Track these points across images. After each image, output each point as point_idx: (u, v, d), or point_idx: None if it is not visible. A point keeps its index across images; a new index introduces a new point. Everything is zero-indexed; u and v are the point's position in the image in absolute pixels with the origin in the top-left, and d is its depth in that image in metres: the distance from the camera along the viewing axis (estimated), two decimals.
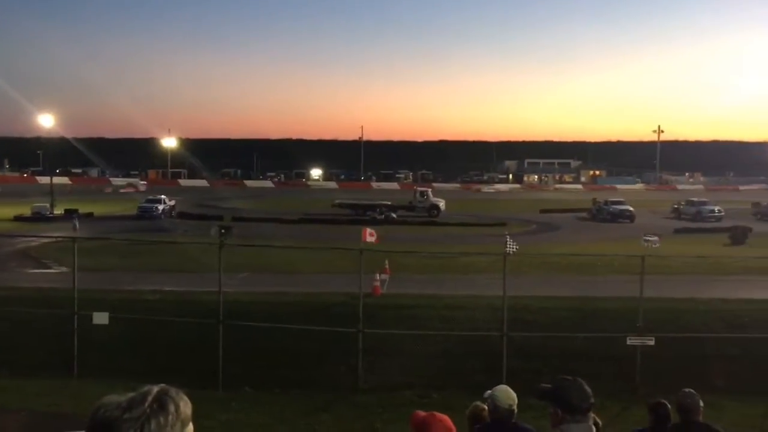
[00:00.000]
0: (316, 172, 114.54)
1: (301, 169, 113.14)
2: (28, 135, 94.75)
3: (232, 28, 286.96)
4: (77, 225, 38.23)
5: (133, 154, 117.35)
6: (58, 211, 47.41)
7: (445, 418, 3.69)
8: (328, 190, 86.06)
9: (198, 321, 15.33)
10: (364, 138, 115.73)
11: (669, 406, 6.06)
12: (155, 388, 1.60)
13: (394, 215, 49.36)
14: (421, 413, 3.86)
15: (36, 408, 12.09)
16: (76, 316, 14.53)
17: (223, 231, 23.23)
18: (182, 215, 49.26)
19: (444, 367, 14.48)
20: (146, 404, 1.54)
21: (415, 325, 16.30)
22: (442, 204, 54.15)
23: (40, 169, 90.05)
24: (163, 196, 51.34)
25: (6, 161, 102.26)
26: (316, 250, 28.46)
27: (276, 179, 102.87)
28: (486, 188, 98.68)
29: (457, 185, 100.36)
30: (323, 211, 51.38)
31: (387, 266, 23.32)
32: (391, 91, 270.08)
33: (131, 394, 1.57)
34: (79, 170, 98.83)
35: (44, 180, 73.66)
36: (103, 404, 1.55)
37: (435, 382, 13.89)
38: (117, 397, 1.57)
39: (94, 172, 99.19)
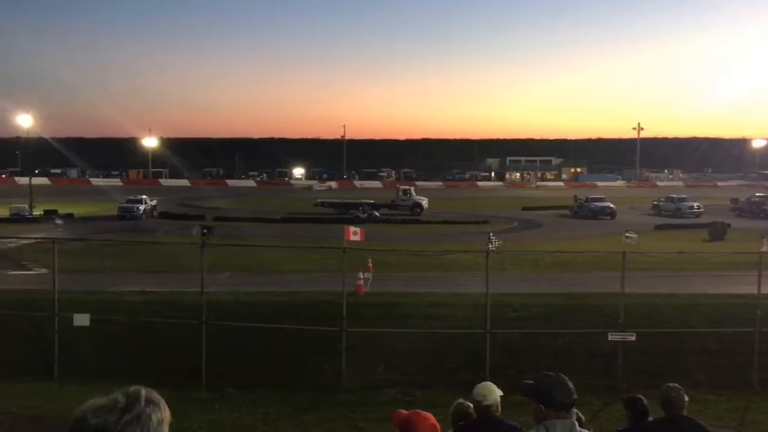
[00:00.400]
0: (298, 171, 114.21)
1: (284, 168, 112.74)
2: (6, 135, 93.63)
3: (213, 27, 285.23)
4: (61, 224, 37.78)
5: (114, 154, 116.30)
6: (38, 212, 46.91)
7: (429, 415, 3.69)
8: (310, 189, 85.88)
9: (181, 322, 15.25)
10: (347, 137, 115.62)
11: (645, 400, 6.09)
12: (141, 389, 1.59)
13: (377, 214, 49.37)
14: (404, 412, 3.86)
15: (18, 411, 11.95)
16: (56, 318, 14.37)
17: (205, 231, 23.09)
18: (164, 215, 48.94)
19: (427, 364, 14.51)
20: (142, 404, 1.53)
21: (399, 323, 16.32)
22: (425, 202, 54.24)
23: (18, 169, 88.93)
24: (144, 196, 50.94)
25: None
26: (299, 249, 28.41)
27: (258, 178, 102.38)
28: (478, 185, 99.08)
29: (440, 183, 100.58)
30: (306, 211, 51.28)
31: (370, 265, 23.33)
32: (372, 89, 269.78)
33: (115, 397, 1.56)
34: (58, 171, 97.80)
35: (23, 181, 72.78)
36: (89, 410, 1.51)
37: (418, 379, 13.91)
38: (100, 401, 1.55)
39: (73, 173, 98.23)
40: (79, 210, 49.19)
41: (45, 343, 14.31)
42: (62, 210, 46.49)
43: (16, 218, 44.76)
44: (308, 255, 26.24)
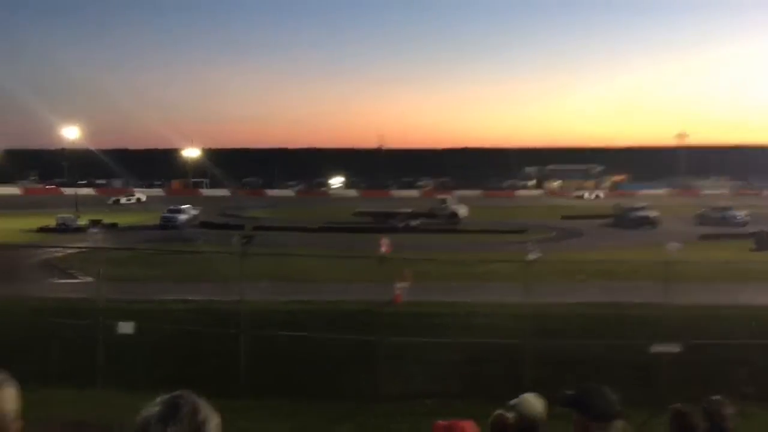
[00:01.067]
0: (337, 180, 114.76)
1: (321, 177, 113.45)
2: (53, 147, 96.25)
3: (252, 40, 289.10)
4: (98, 234, 38.64)
5: (156, 164, 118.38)
6: (83, 222, 48.05)
7: (469, 424, 3.64)
8: (348, 199, 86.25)
9: (220, 330, 15.41)
10: (384, 146, 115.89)
11: (693, 413, 5.92)
12: (192, 395, 1.63)
13: (415, 223, 49.33)
14: (442, 422, 3.83)
15: (61, 419, 12.19)
16: (101, 326, 14.66)
17: (244, 240, 23.36)
18: (204, 224, 49.66)
19: (465, 375, 14.40)
20: (202, 411, 1.58)
21: (436, 333, 16.24)
22: (463, 211, 54.04)
23: (64, 180, 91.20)
24: (185, 206, 51.77)
25: (32, 174, 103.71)
26: (337, 258, 28.50)
27: (297, 188, 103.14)
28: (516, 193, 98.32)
29: (478, 192, 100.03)
30: (344, 220, 51.50)
31: (408, 274, 23.31)
32: (410, 98, 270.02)
33: (166, 401, 1.59)
34: (103, 181, 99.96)
35: (69, 191, 74.60)
36: (151, 418, 1.55)
37: (457, 390, 13.80)
38: (155, 409, 1.58)
39: (117, 183, 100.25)
40: (122, 220, 50.23)
41: (89, 350, 14.60)
42: (106, 220, 47.57)
43: (63, 228, 45.92)
44: (346, 264, 26.31)
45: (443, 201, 55.37)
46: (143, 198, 70.81)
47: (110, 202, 64.26)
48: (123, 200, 66.81)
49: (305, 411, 12.94)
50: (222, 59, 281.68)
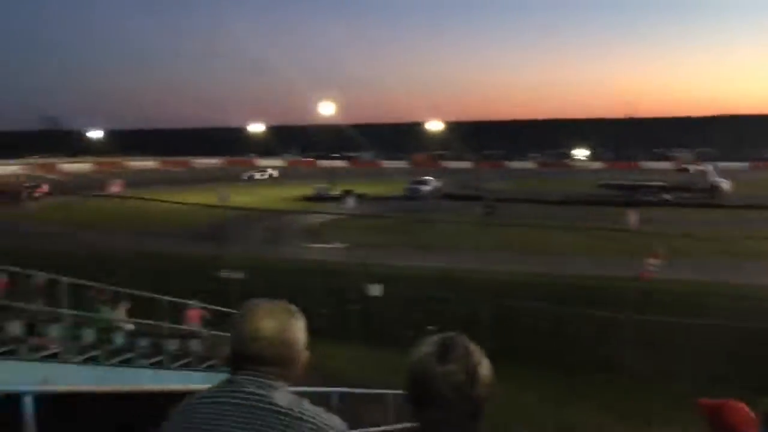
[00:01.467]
0: (582, 152, 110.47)
1: (565, 149, 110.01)
2: (309, 123, 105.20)
3: (497, 7, 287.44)
4: (353, 203, 41.40)
5: (400, 138, 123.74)
6: (337, 191, 51.80)
7: (742, 405, 3.34)
8: (593, 171, 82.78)
9: (464, 297, 15.80)
10: (633, 115, 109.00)
11: None
12: (464, 337, 1.71)
13: (668, 197, 45.96)
14: (709, 401, 3.55)
15: (322, 369, 13.42)
16: (354, 287, 15.82)
17: (487, 211, 23.51)
18: (447, 196, 50.83)
19: (726, 361, 13.20)
20: (475, 354, 1.68)
21: (691, 314, 15.06)
22: (725, 184, 49.14)
23: (320, 153, 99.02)
24: (428, 178, 53.44)
25: (293, 148, 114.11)
26: (580, 231, 27.61)
27: (539, 160, 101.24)
28: None
29: (745, 164, 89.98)
30: (588, 192, 49.60)
31: (660, 250, 21.86)
32: (663, 63, 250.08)
33: (440, 342, 1.68)
34: (353, 154, 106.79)
35: (323, 164, 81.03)
36: (427, 358, 1.65)
37: (715, 376, 12.72)
38: (430, 348, 1.67)
39: (367, 156, 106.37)
40: (370, 190, 53.26)
41: (344, 308, 15.84)
42: (357, 190, 50.78)
43: (319, 197, 49.98)
44: (589, 238, 25.40)
45: (702, 173, 50.77)
46: (275, 173, 74.19)
47: (245, 177, 68.22)
48: (257, 175, 70.47)
49: (546, 382, 12.83)
50: (467, 30, 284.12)
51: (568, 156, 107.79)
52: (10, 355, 7.99)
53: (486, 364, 1.68)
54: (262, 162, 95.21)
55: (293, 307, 1.90)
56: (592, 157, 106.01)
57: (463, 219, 28.58)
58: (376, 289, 15.64)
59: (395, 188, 53.26)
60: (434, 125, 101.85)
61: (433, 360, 1.63)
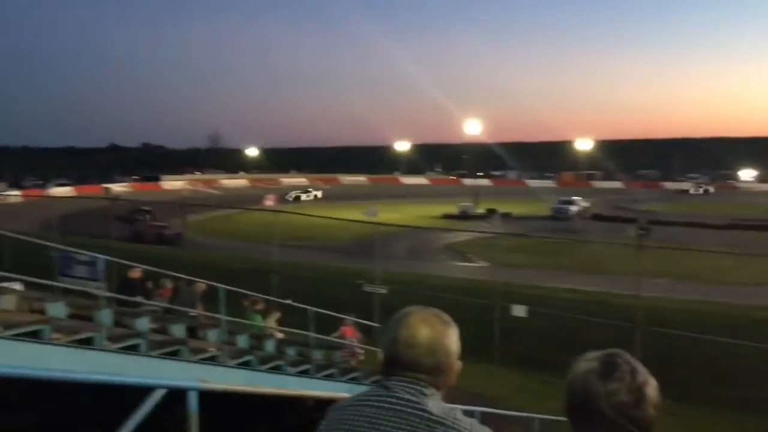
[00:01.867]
0: (749, 173, 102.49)
1: (729, 169, 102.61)
2: (455, 141, 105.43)
3: (647, 24, 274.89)
4: (497, 222, 40.98)
5: (547, 156, 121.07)
6: (481, 210, 51.55)
7: None
8: (762, 194, 76.60)
9: (613, 323, 15.10)
10: None
11: None
12: (628, 354, 1.63)
13: None
14: None
15: (463, 387, 13.32)
16: (497, 307, 15.60)
17: (641, 233, 22.40)
18: (596, 217, 49.08)
19: None
20: (640, 373, 1.58)
21: None
22: None
23: (464, 172, 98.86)
24: (576, 198, 51.85)
25: (437, 165, 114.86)
26: (746, 257, 25.56)
27: (699, 181, 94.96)
28: None
29: None
30: (757, 217, 45.94)
31: None
32: None
33: (603, 358, 1.60)
34: (498, 173, 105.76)
35: (468, 182, 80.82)
36: (591, 375, 1.57)
37: None
38: (593, 365, 1.59)
39: (512, 175, 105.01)
40: (515, 209, 52.51)
41: (486, 328, 15.65)
42: (501, 209, 50.26)
43: (464, 216, 49.96)
44: (758, 265, 23.44)
45: None
46: (319, 194, 73.38)
47: (290, 198, 67.90)
48: (303, 196, 70.11)
49: (710, 420, 11.93)
50: (615, 49, 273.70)
51: (733, 177, 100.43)
52: (173, 355, 8.60)
53: (653, 384, 1.57)
54: (405, 179, 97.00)
55: (447, 317, 1.89)
56: (761, 179, 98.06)
57: (615, 240, 27.36)
58: (520, 310, 15.34)
59: (541, 208, 52.21)
60: (583, 144, 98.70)
61: (594, 378, 1.55)
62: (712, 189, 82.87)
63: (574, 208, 50.24)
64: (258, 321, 12.36)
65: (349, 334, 13.47)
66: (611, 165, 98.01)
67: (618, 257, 21.52)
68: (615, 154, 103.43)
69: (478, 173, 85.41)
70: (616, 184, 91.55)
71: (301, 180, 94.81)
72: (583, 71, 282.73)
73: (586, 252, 28.71)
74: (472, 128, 75.34)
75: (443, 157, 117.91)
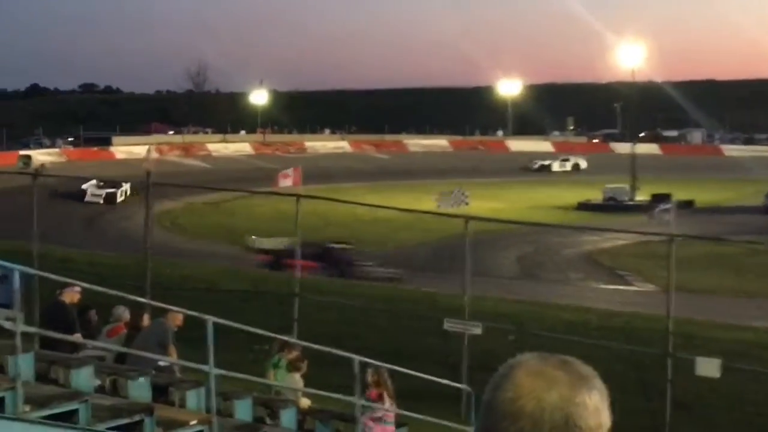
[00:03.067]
0: None
1: None
2: (600, 80, 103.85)
3: None
4: (670, 217, 40.21)
5: (759, 104, 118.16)
6: (642, 196, 50.58)
7: None
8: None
9: None
10: None
11: None
12: None
13: None
14: None
15: None
16: (669, 360, 15.35)
17: None
18: None
19: None
20: None
21: None
22: None
23: (615, 131, 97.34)
24: None
25: (568, 121, 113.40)
26: None
27: None
28: None
29: None
30: None
31: None
32: None
33: None
34: (674, 133, 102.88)
35: (622, 149, 79.36)
36: None
37: None
38: None
39: (696, 136, 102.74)
40: (702, 195, 51.45)
41: (650, 395, 15.46)
42: (678, 194, 49.33)
43: (611, 204, 49.29)
44: None
45: None
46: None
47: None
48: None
49: None
50: None
51: None
52: (130, 431, 8.81)
53: None
54: (513, 144, 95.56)
55: (588, 369, 1.83)
56: None
57: None
58: (709, 366, 15.06)
59: (747, 193, 51.25)
60: None
61: None
62: None
63: None
64: (281, 374, 12.53)
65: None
66: None
67: None
68: None
69: (638, 133, 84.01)
70: None
71: (339, 143, 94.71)
72: None
73: None
74: (630, 57, 73.96)
75: (577, 107, 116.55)
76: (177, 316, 12.01)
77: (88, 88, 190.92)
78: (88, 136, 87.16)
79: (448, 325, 17.78)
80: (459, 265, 19.40)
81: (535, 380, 1.70)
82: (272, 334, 12.62)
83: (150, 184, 20.37)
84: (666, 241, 17.57)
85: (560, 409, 1.68)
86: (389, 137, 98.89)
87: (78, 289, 11.70)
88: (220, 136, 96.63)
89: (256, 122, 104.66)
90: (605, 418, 1.74)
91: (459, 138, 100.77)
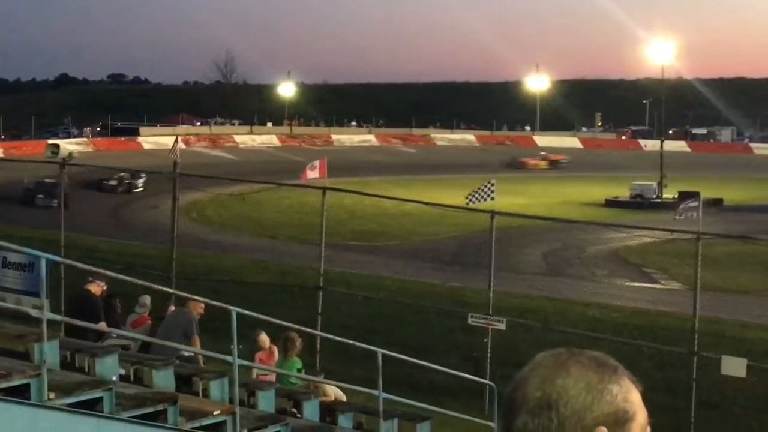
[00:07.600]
0: None
1: None
2: (629, 76, 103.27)
3: None
4: (698, 214, 39.92)
5: None
6: (669, 194, 50.24)
7: None
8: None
9: None
10: None
11: None
12: None
13: None
14: None
15: None
16: (695, 359, 15.31)
17: None
18: None
19: None
20: None
21: None
22: None
23: (644, 127, 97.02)
24: None
25: (596, 117, 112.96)
26: None
27: None
28: None
29: None
30: None
31: None
32: None
33: None
34: (703, 130, 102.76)
35: (650, 145, 79.02)
36: None
37: None
38: None
39: (725, 134, 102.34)
40: (732, 194, 51.05)
41: (675, 393, 15.42)
42: (706, 192, 48.94)
43: (640, 202, 49.05)
44: None
45: None
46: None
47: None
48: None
49: None
50: None
51: None
52: (153, 420, 8.86)
53: None
54: (540, 140, 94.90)
55: (615, 362, 1.79)
56: None
57: None
58: (735, 365, 15.01)
59: None
60: None
61: None
62: None
63: None
64: (293, 369, 12.47)
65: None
66: None
67: None
68: None
69: (667, 130, 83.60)
70: None
71: (366, 137, 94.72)
72: None
73: None
74: (660, 53, 73.54)
75: (606, 103, 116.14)
76: (198, 305, 12.05)
77: (116, 78, 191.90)
78: (116, 126, 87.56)
79: (473, 320, 17.80)
80: (485, 260, 19.40)
81: (563, 372, 1.69)
82: (296, 326, 12.59)
83: (177, 174, 20.50)
84: (693, 239, 17.48)
85: (594, 401, 1.66)
86: (416, 131, 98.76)
87: (103, 283, 11.75)
88: (246, 128, 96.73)
89: (283, 114, 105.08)
90: (641, 412, 1.72)
91: (486, 133, 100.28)
